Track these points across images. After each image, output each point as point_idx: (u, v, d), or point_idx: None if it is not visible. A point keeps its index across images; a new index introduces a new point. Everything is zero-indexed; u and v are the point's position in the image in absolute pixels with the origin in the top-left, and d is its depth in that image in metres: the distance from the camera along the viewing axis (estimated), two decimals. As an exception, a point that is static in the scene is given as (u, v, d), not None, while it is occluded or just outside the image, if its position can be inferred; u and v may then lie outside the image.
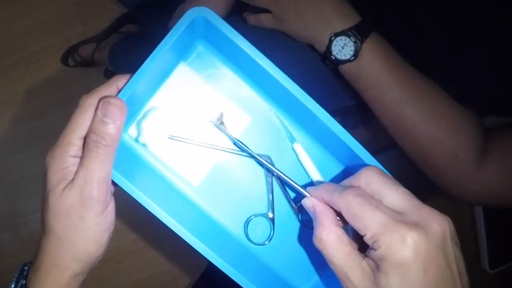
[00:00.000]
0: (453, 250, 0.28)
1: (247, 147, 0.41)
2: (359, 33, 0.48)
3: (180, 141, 0.41)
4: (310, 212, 0.34)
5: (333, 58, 0.50)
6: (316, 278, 0.43)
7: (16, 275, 0.36)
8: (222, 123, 0.41)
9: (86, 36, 1.15)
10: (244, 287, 0.36)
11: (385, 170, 0.36)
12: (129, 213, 1.00)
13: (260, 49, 0.35)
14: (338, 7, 0.50)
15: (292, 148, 0.42)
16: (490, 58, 0.46)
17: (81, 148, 0.33)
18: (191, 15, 0.34)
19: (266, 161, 0.41)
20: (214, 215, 0.43)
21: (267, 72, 0.36)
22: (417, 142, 0.51)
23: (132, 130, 0.41)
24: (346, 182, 0.33)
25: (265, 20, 0.55)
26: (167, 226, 0.35)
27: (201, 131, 0.42)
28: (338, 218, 0.32)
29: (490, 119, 0.54)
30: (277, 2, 0.52)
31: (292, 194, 0.43)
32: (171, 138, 0.41)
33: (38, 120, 1.23)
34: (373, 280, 0.28)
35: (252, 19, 0.57)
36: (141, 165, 0.42)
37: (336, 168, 0.43)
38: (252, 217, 0.43)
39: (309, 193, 0.35)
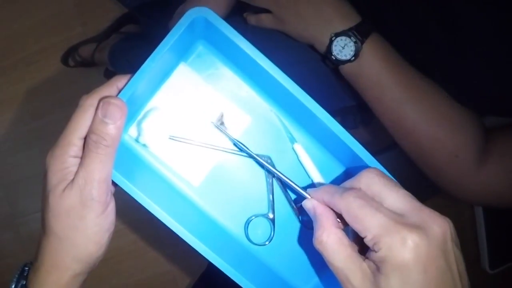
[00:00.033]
0: (453, 252, 0.28)
1: (247, 148, 0.41)
2: (359, 33, 0.48)
3: (180, 141, 0.41)
4: (311, 213, 0.34)
5: (334, 58, 0.50)
6: (316, 279, 0.43)
7: (16, 276, 0.36)
8: (222, 123, 0.41)
9: (86, 36, 1.15)
10: (244, 288, 0.36)
11: (385, 171, 0.36)
12: (129, 213, 1.00)
13: (261, 49, 0.35)
14: (338, 7, 0.50)
15: (293, 148, 0.42)
16: (490, 58, 0.46)
17: (81, 148, 0.33)
18: (191, 15, 0.34)
19: (266, 162, 0.41)
20: (215, 216, 0.43)
21: (267, 72, 0.36)
22: (417, 142, 0.51)
23: (132, 131, 0.41)
24: (347, 184, 0.33)
25: (265, 20, 0.55)
26: (167, 227, 0.35)
27: (202, 132, 0.42)
28: (338, 220, 0.32)
29: (490, 119, 0.53)
30: (277, 2, 0.52)
31: (293, 195, 0.43)
32: (172, 139, 0.41)
33: (38, 120, 1.23)
34: (373, 282, 0.28)
35: (252, 19, 0.57)
36: (141, 166, 0.42)
37: (337, 169, 0.43)
38: (253, 217, 0.43)
39: (309, 195, 0.35)
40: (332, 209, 0.33)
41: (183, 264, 1.24)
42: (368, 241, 0.29)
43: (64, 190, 0.32)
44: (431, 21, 0.49)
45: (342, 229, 0.31)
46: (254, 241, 0.43)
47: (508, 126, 0.53)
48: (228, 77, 0.42)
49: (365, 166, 0.37)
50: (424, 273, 0.27)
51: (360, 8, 0.51)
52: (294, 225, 0.43)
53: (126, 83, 0.34)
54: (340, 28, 0.49)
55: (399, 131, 0.52)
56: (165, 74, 0.41)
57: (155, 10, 0.83)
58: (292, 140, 0.42)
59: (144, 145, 0.41)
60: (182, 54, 0.41)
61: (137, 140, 0.41)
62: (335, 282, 0.31)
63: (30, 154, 1.23)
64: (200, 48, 0.41)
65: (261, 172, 0.43)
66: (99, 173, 0.32)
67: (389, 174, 0.35)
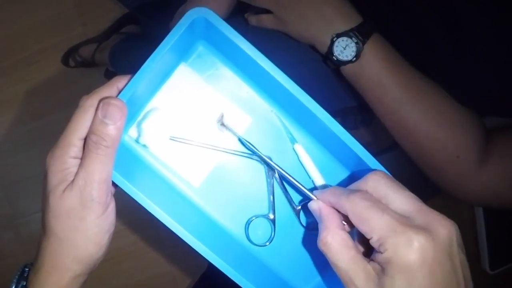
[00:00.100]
0: (458, 256, 0.28)
1: (254, 147, 0.41)
2: (360, 34, 0.48)
3: (180, 142, 0.41)
4: (316, 215, 0.34)
5: (335, 59, 0.50)
6: (317, 279, 0.43)
7: (16, 277, 0.36)
8: (222, 124, 0.41)
9: (87, 37, 1.15)
10: (244, 289, 0.36)
11: (386, 171, 0.36)
12: (130, 214, 1.00)
13: (261, 50, 0.35)
14: (339, 7, 0.50)
15: (293, 149, 0.42)
16: (490, 58, 0.46)
17: (81, 149, 0.33)
18: (191, 16, 0.34)
19: (272, 162, 0.41)
20: (215, 216, 0.43)
21: (267, 72, 0.36)
22: (418, 142, 0.51)
23: (133, 131, 0.41)
24: (353, 186, 0.33)
25: (266, 20, 0.55)
26: (167, 227, 0.35)
27: (202, 132, 0.42)
28: (344, 223, 0.32)
29: (491, 120, 0.53)
30: (278, 3, 0.52)
31: (293, 195, 0.43)
32: (172, 139, 0.41)
33: (39, 120, 1.23)
34: (378, 283, 0.28)
35: (253, 19, 0.57)
36: (142, 166, 0.42)
37: (337, 169, 0.43)
38: (253, 218, 0.43)
39: (315, 196, 0.35)
40: (338, 211, 0.33)
41: (183, 265, 1.24)
42: (374, 242, 0.29)
43: (64, 191, 0.32)
44: (431, 21, 0.49)
45: (347, 232, 0.32)
46: (255, 242, 0.43)
47: (509, 126, 0.53)
48: (229, 78, 0.42)
49: (368, 168, 0.37)
50: (430, 275, 0.27)
51: (361, 8, 0.51)
52: (295, 226, 0.43)
53: (126, 83, 0.34)
54: (341, 29, 0.49)
55: (400, 131, 0.52)
56: (166, 74, 0.41)
57: (156, 11, 0.83)
58: (293, 140, 0.42)
59: (144, 146, 0.41)
60: (182, 54, 0.41)
61: (137, 141, 0.41)
62: (336, 283, 0.31)
63: (30, 155, 1.23)
64: (201, 48, 0.41)
65: (262, 172, 0.43)
66: (99, 174, 0.32)
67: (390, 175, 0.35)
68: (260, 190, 0.43)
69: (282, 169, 0.40)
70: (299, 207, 0.42)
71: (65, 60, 1.16)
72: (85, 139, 0.33)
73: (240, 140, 0.41)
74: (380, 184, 0.31)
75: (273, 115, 0.42)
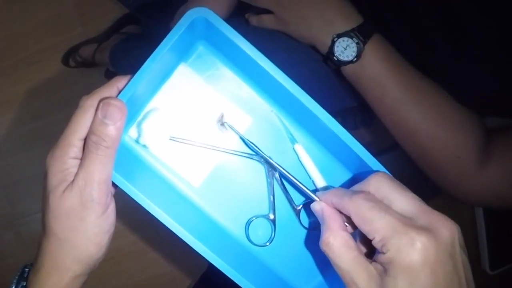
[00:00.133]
0: (460, 256, 0.28)
1: (256, 146, 0.41)
2: (361, 34, 0.48)
3: (180, 142, 0.41)
4: (319, 216, 0.34)
5: (336, 59, 0.50)
6: (317, 279, 0.43)
7: (16, 277, 0.36)
8: (222, 124, 0.41)
9: (87, 37, 1.15)
10: (244, 289, 0.36)
11: (386, 171, 0.36)
12: (130, 214, 1.00)
13: (262, 50, 0.35)
14: (340, 8, 0.50)
15: (293, 149, 0.42)
16: (490, 58, 0.46)
17: (81, 149, 0.33)
18: (191, 16, 0.34)
19: (268, 163, 0.41)
20: (215, 217, 0.43)
21: (267, 73, 0.36)
22: (419, 142, 0.51)
23: (133, 131, 0.41)
24: (356, 187, 0.33)
25: (267, 21, 0.55)
26: (167, 228, 0.35)
27: (202, 132, 0.42)
28: (346, 224, 0.33)
29: (491, 120, 0.53)
30: (279, 3, 0.52)
31: (293, 195, 0.43)
32: (172, 139, 0.41)
33: (39, 120, 1.23)
34: (379, 284, 0.28)
35: (254, 20, 0.57)
36: (142, 167, 0.42)
37: (337, 169, 0.43)
38: (253, 218, 0.42)
39: (318, 197, 0.35)
40: (340, 212, 0.33)
41: (183, 265, 1.24)
42: (376, 242, 0.29)
43: (64, 191, 0.32)
44: (431, 21, 0.49)
45: (349, 233, 0.32)
46: (255, 242, 0.43)
47: (509, 127, 0.53)
48: (229, 78, 0.42)
49: (370, 170, 0.37)
50: (432, 275, 0.27)
51: (361, 8, 0.51)
52: (295, 226, 0.43)
53: (126, 84, 0.34)
54: (342, 29, 0.49)
55: (401, 132, 0.52)
56: (166, 74, 0.41)
57: (156, 11, 0.83)
58: (293, 140, 0.42)
59: (144, 146, 0.41)
60: (182, 54, 0.41)
61: (137, 141, 0.41)
62: (337, 283, 0.31)
63: (30, 155, 1.23)
64: (201, 48, 0.41)
65: (262, 173, 0.42)
66: (99, 174, 0.32)
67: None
68: (260, 190, 0.43)
69: (285, 169, 0.40)
70: (300, 207, 0.42)
71: (65, 60, 1.16)
72: (85, 140, 0.33)
73: (242, 139, 0.41)
74: (383, 185, 0.31)
75: (273, 115, 0.42)
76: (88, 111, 0.33)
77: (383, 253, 0.28)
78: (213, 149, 0.41)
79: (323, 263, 0.43)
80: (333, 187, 0.41)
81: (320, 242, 0.32)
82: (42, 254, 0.34)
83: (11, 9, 1.22)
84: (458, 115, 0.50)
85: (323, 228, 0.32)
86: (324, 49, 0.51)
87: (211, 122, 0.42)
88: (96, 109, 0.32)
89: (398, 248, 0.27)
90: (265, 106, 0.42)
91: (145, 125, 0.39)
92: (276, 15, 0.54)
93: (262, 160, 0.41)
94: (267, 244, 0.43)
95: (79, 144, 0.33)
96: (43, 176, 0.34)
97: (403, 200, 0.30)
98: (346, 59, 0.50)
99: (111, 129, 0.32)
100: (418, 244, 0.27)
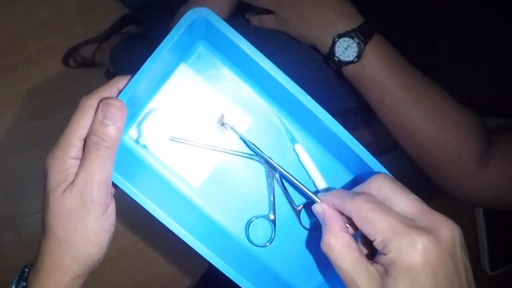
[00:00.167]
0: (461, 257, 0.28)
1: (256, 147, 0.40)
2: (362, 34, 0.48)
3: (180, 142, 0.41)
4: (320, 217, 0.34)
5: (336, 59, 0.50)
6: (317, 280, 0.43)
7: (16, 277, 0.36)
8: (223, 124, 0.41)
9: (87, 37, 1.15)
10: (244, 289, 0.36)
11: (387, 172, 0.36)
12: (130, 214, 1.00)
13: (262, 50, 0.35)
14: (341, 8, 0.50)
15: (293, 149, 0.42)
16: (490, 58, 0.46)
17: (81, 149, 0.33)
18: (191, 16, 0.34)
19: (268, 163, 0.41)
20: (215, 217, 0.43)
21: (268, 73, 0.36)
22: (419, 143, 0.51)
23: (133, 132, 0.41)
24: (357, 189, 0.33)
25: (267, 21, 0.55)
26: (167, 228, 0.35)
27: (202, 133, 0.42)
28: (348, 225, 0.33)
29: (492, 121, 0.53)
30: (280, 3, 0.52)
31: (294, 196, 0.43)
32: (172, 140, 0.40)
33: (39, 120, 1.23)
34: (380, 285, 0.28)
35: (254, 20, 0.57)
36: (142, 167, 0.42)
37: (337, 169, 0.43)
38: (253, 218, 0.42)
39: (319, 199, 0.35)
40: (341, 214, 0.33)
41: (183, 266, 1.24)
42: (377, 244, 0.29)
43: (64, 191, 0.32)
44: (431, 21, 0.49)
45: (350, 235, 0.32)
46: (255, 243, 0.42)
47: (509, 127, 0.53)
48: (229, 78, 0.42)
49: (371, 171, 0.37)
50: (433, 276, 0.27)
51: (361, 8, 0.51)
52: (295, 226, 0.43)
53: (126, 84, 0.34)
54: (343, 29, 0.49)
55: (401, 132, 0.52)
56: (166, 75, 0.41)
57: (157, 11, 0.83)
58: (293, 141, 0.42)
59: (144, 146, 0.41)
60: (182, 54, 0.41)
61: (137, 141, 0.41)
62: (337, 284, 0.31)
63: (30, 155, 1.23)
64: (201, 48, 0.41)
65: (262, 173, 0.42)
66: (99, 175, 0.32)
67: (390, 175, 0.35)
68: (261, 190, 0.43)
69: (285, 170, 0.40)
70: (300, 208, 0.42)
71: (65, 60, 1.16)
72: (85, 140, 0.33)
73: (242, 139, 0.41)
74: (384, 186, 0.31)
75: (273, 116, 0.42)
76: (88, 111, 0.33)
77: (384, 254, 0.28)
78: (213, 149, 0.41)
79: (323, 263, 0.43)
80: (333, 187, 0.41)
81: (321, 243, 0.32)
82: (42, 254, 0.34)
83: (11, 9, 1.22)
84: (459, 115, 0.50)
85: (324, 229, 0.32)
86: (325, 49, 0.51)
87: (211, 122, 0.42)
88: (96, 109, 0.32)
89: (399, 249, 0.27)
90: (265, 106, 0.42)
91: (145, 125, 0.39)
92: (276, 15, 0.54)
93: (262, 160, 0.41)
94: (267, 244, 0.43)
95: (79, 144, 0.33)
96: (43, 176, 0.34)
97: (404, 202, 0.30)
98: (347, 59, 0.50)
99: (111, 129, 0.32)
100: (419, 245, 0.27)
